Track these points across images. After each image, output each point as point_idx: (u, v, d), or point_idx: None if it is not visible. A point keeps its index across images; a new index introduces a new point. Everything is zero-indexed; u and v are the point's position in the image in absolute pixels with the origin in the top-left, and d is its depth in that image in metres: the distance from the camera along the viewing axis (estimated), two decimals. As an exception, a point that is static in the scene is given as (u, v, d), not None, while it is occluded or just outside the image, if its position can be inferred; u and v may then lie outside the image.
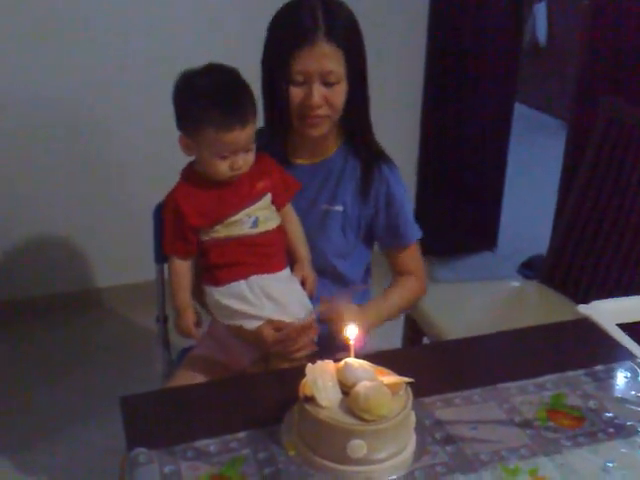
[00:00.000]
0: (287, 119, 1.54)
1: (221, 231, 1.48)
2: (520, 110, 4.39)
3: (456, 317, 2.15)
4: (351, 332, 1.15)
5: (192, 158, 1.51)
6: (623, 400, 1.26)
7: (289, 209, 1.58)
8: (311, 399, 1.08)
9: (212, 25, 2.92)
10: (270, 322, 1.48)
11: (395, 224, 1.66)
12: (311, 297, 1.55)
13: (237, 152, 1.43)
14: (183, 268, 1.53)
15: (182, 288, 1.53)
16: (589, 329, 1.47)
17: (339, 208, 1.62)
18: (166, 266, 1.92)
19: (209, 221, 1.47)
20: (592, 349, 1.43)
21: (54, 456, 2.31)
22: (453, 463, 1.10)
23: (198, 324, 1.53)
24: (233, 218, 1.47)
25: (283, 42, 1.50)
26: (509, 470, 1.08)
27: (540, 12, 6.14)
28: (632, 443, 1.15)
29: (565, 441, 1.15)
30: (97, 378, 2.69)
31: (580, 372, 1.34)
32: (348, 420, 1.05)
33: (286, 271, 1.55)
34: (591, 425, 1.19)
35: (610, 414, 1.22)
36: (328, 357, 1.29)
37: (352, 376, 1.10)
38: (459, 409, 1.23)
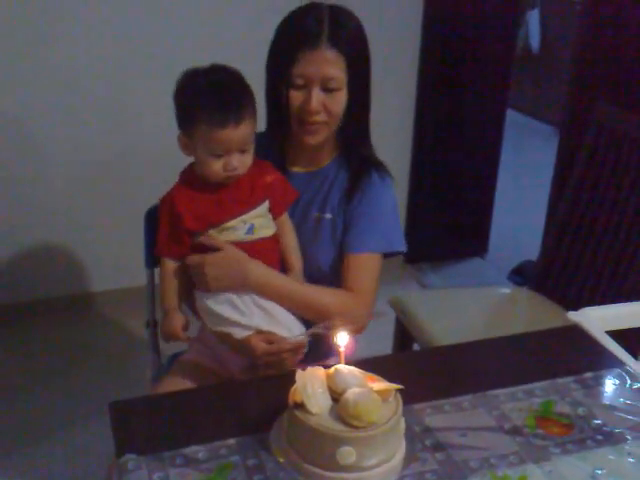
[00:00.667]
0: (287, 124, 1.54)
1: (215, 236, 1.47)
2: (512, 116, 4.41)
3: (446, 323, 2.15)
4: (341, 339, 1.15)
5: (191, 160, 1.50)
6: (612, 407, 1.27)
7: (285, 218, 1.57)
8: (301, 406, 1.07)
9: (216, 29, 2.92)
10: (260, 333, 1.47)
11: (360, 229, 1.58)
12: None
13: (231, 151, 1.41)
14: (174, 270, 1.51)
15: (171, 290, 1.52)
16: (578, 336, 1.48)
17: (328, 216, 1.60)
18: (157, 270, 1.93)
19: (205, 225, 1.46)
20: (581, 356, 1.44)
21: (43, 460, 2.30)
22: (442, 470, 1.10)
23: (185, 328, 1.50)
24: (229, 223, 1.46)
25: (286, 45, 1.50)
26: (498, 477, 1.08)
27: (533, 19, 6.16)
28: (620, 450, 1.15)
29: (554, 448, 1.15)
30: (88, 382, 2.68)
31: (569, 379, 1.34)
32: (338, 427, 1.05)
33: None
34: (580, 432, 1.20)
35: (599, 421, 1.22)
36: (314, 362, 1.30)
37: (342, 383, 1.10)
38: (449, 416, 1.23)
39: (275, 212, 1.54)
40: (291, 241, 1.58)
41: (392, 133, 3.31)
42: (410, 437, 1.14)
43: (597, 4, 2.79)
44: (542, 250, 2.45)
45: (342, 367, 1.13)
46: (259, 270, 1.48)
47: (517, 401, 1.27)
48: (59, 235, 3.04)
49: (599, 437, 1.18)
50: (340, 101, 1.51)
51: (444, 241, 3.72)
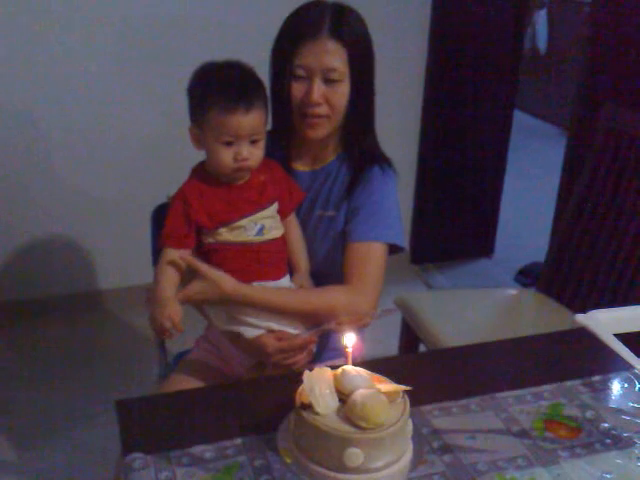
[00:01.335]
0: (289, 119, 1.54)
1: (225, 235, 1.46)
2: (519, 117, 4.40)
3: (452, 324, 2.14)
4: (349, 340, 1.15)
5: (203, 158, 1.49)
6: (620, 411, 1.26)
7: (292, 218, 1.57)
8: (308, 406, 1.07)
9: (221, 28, 2.91)
10: (271, 332, 1.47)
11: (360, 218, 1.55)
12: None
13: (241, 139, 1.41)
14: (176, 261, 1.46)
15: (170, 281, 1.45)
16: (587, 339, 1.47)
17: (331, 213, 1.60)
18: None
19: (214, 223, 1.46)
20: (589, 359, 1.43)
21: (50, 458, 2.30)
22: (450, 473, 1.09)
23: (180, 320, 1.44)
24: (238, 223, 1.46)
25: (288, 38, 1.51)
26: (506, 480, 1.08)
27: (541, 19, 6.15)
28: (629, 454, 1.15)
29: (562, 452, 1.15)
30: (94, 380, 2.68)
31: (577, 382, 1.34)
32: (345, 428, 1.04)
33: (285, 280, 1.54)
34: (588, 436, 1.19)
35: (607, 425, 1.22)
36: (322, 362, 1.29)
37: (349, 384, 1.09)
38: (456, 418, 1.22)
39: (283, 213, 1.54)
40: (298, 242, 1.58)
41: (399, 133, 3.31)
42: (417, 439, 1.14)
43: (605, 5, 2.78)
44: (549, 251, 2.44)
45: (349, 368, 1.12)
46: (247, 291, 1.46)
47: (525, 404, 1.27)
48: (65, 233, 3.04)
49: (607, 441, 1.18)
50: (342, 93, 1.50)
51: (451, 241, 3.71)
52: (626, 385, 1.33)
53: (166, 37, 2.86)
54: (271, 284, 1.50)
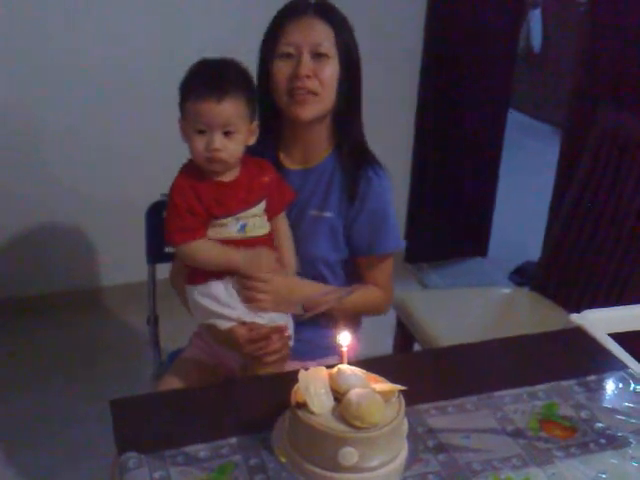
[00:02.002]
0: (279, 116, 1.55)
1: (209, 232, 1.47)
2: (513, 116, 4.41)
3: (446, 323, 2.15)
4: (344, 339, 1.14)
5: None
6: (615, 411, 1.26)
7: (281, 218, 1.57)
8: (303, 405, 1.07)
9: (221, 29, 2.90)
10: (243, 323, 1.48)
11: (374, 230, 1.61)
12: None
13: (213, 129, 1.41)
14: (206, 241, 1.46)
15: (225, 250, 1.47)
16: (581, 339, 1.48)
17: (328, 214, 1.60)
18: (158, 266, 1.92)
19: (201, 219, 1.46)
20: (584, 359, 1.43)
21: (44, 457, 2.29)
22: (445, 472, 1.09)
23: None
24: (221, 221, 1.46)
25: (275, 23, 1.54)
26: (501, 480, 1.08)
27: (535, 18, 6.15)
28: (623, 454, 1.15)
29: (557, 451, 1.15)
30: (92, 378, 2.67)
31: (572, 382, 1.34)
32: (340, 427, 1.04)
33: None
34: (583, 436, 1.19)
35: (602, 425, 1.22)
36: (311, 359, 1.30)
37: (344, 383, 1.09)
38: (451, 417, 1.22)
39: (271, 213, 1.54)
40: (286, 241, 1.58)
41: (393, 133, 3.30)
42: (413, 438, 1.14)
43: (601, 5, 2.78)
44: (544, 251, 2.45)
45: (345, 367, 1.12)
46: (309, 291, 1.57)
47: (520, 403, 1.27)
48: (62, 230, 3.03)
49: (602, 441, 1.18)
50: (330, 70, 1.51)
51: (445, 240, 3.71)
52: (621, 385, 1.33)
53: (166, 37, 2.86)
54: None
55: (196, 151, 1.43)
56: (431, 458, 1.12)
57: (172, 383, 1.59)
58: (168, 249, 1.70)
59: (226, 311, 1.48)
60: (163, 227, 1.50)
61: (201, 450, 1.11)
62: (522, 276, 3.43)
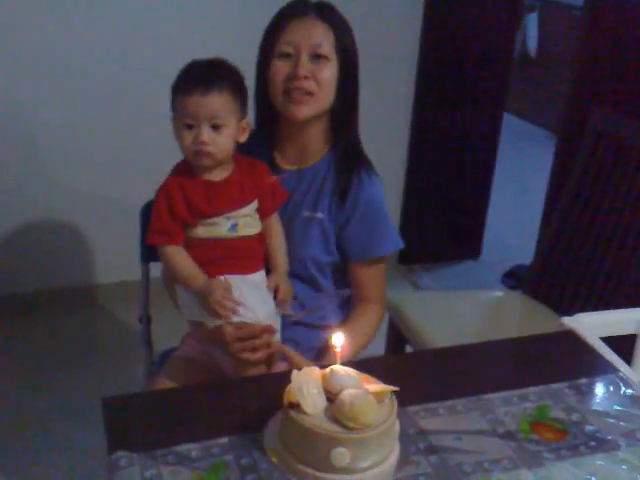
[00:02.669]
0: (274, 114, 1.55)
1: (198, 231, 1.47)
2: (508, 119, 4.42)
3: (439, 325, 2.15)
4: (337, 339, 1.15)
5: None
6: (605, 414, 1.26)
7: (274, 218, 1.57)
8: (296, 406, 1.07)
9: (220, 28, 2.91)
10: (231, 322, 1.47)
11: (367, 232, 1.60)
12: (284, 308, 1.56)
13: (201, 122, 1.41)
14: (181, 251, 1.48)
15: (193, 268, 1.47)
16: (573, 342, 1.48)
17: (320, 215, 1.60)
18: (152, 265, 1.92)
19: (194, 219, 1.46)
20: (576, 362, 1.44)
21: (43, 456, 2.29)
22: (436, 473, 1.09)
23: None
24: (212, 220, 1.47)
25: (275, 21, 1.54)
26: (491, 482, 1.08)
27: (531, 23, 6.17)
28: (614, 457, 1.15)
29: (547, 454, 1.15)
30: (84, 377, 2.67)
31: (563, 385, 1.34)
32: (332, 428, 1.04)
33: (258, 275, 1.54)
34: (573, 438, 1.19)
35: (592, 427, 1.22)
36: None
37: (337, 383, 1.09)
38: (443, 419, 1.22)
39: (263, 213, 1.54)
40: (278, 242, 1.58)
41: (388, 134, 3.31)
42: (404, 440, 1.14)
43: (596, 9, 2.79)
44: (536, 254, 2.45)
45: (338, 368, 1.12)
46: None
47: (511, 405, 1.27)
48: (59, 228, 3.03)
49: (592, 443, 1.18)
50: (329, 72, 1.51)
51: (438, 243, 3.72)
52: (611, 388, 1.34)
53: (166, 37, 2.86)
54: (236, 278, 1.49)
55: (184, 146, 1.44)
56: (422, 459, 1.12)
57: (164, 382, 1.59)
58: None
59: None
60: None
61: (193, 449, 1.11)
62: (514, 279, 3.44)
